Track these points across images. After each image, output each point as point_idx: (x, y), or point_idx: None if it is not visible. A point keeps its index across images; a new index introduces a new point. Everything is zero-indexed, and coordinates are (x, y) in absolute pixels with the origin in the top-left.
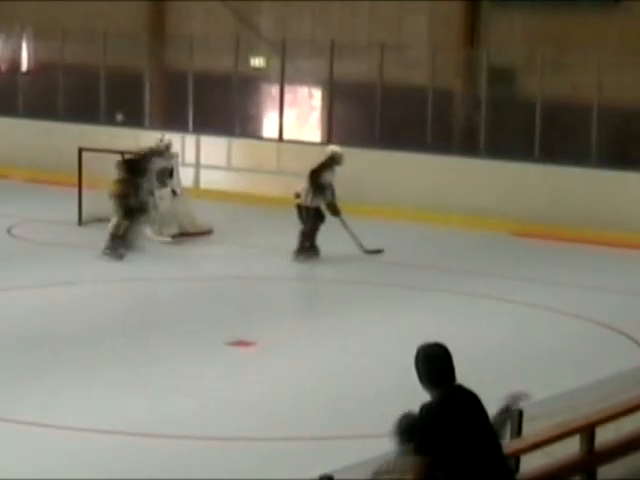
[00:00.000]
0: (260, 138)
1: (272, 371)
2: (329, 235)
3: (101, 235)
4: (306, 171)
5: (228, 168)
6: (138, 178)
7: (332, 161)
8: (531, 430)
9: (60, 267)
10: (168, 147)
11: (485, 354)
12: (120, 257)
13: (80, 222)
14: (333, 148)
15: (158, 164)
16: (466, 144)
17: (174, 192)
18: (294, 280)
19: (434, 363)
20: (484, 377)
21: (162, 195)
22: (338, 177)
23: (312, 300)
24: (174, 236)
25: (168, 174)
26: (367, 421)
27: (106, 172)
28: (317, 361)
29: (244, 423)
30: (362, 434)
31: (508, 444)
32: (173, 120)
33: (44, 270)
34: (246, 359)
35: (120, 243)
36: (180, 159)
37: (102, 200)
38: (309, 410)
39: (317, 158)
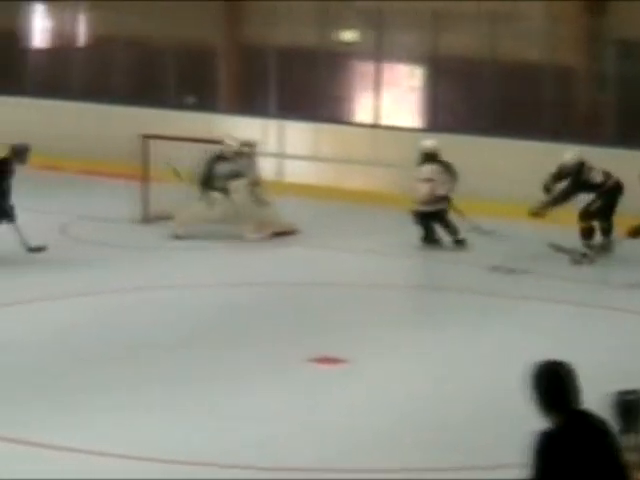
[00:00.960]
0: (351, 124)
1: (358, 391)
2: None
3: (167, 234)
4: (404, 161)
5: (314, 158)
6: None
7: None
8: None
9: (120, 271)
10: (238, 153)
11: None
12: None
13: (143, 219)
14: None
15: (222, 169)
16: (590, 130)
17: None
18: (387, 288)
19: (555, 383)
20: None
21: (236, 188)
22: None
23: (406, 310)
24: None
25: (235, 176)
26: (468, 450)
27: (173, 163)
28: (410, 380)
29: (324, 451)
30: (461, 465)
31: None
32: (251, 103)
33: (102, 275)
34: (329, 377)
35: None
36: (259, 148)
37: (168, 194)
38: (399, 437)
39: (416, 146)
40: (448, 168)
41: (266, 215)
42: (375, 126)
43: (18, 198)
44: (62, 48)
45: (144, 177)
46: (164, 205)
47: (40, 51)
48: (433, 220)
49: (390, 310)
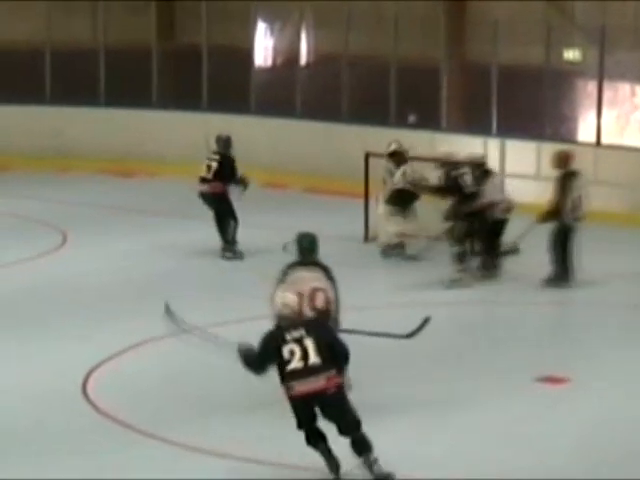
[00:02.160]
0: (574, 142)
1: (584, 413)
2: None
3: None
4: (629, 180)
5: (537, 177)
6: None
7: None
8: None
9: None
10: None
11: None
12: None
13: (366, 238)
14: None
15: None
16: None
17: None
18: (610, 306)
19: None
20: None
21: None
22: None
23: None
24: None
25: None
26: None
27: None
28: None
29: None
30: None
31: None
32: (473, 121)
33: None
34: (555, 397)
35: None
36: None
37: None
38: (624, 464)
39: None
40: None
41: None
42: (597, 145)
43: (243, 215)
44: (286, 66)
45: (367, 195)
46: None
47: (264, 69)
48: None
49: (614, 329)
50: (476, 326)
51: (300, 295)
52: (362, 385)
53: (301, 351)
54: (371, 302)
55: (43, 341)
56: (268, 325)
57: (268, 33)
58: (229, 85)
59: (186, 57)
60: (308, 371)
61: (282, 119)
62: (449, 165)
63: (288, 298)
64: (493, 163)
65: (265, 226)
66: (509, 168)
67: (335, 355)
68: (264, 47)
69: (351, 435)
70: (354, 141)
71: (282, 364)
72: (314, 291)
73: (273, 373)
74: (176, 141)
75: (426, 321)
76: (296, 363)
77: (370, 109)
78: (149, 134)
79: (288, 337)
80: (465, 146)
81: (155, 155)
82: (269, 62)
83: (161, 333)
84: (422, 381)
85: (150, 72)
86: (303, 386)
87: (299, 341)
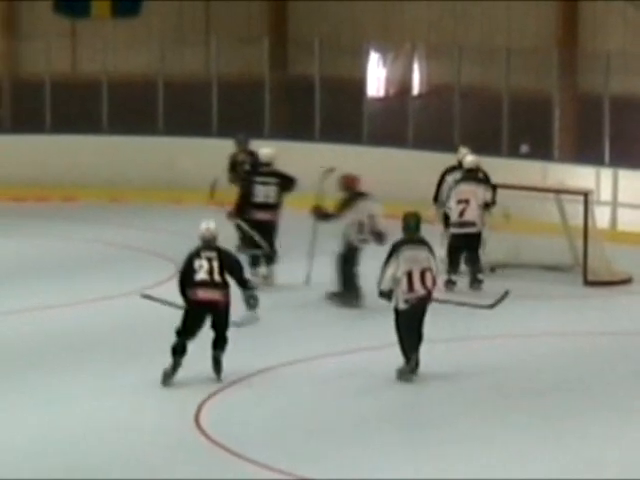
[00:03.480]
0: None
1: None
2: None
3: (502, 283)
4: None
5: None
6: None
7: None
8: None
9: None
10: None
11: None
12: None
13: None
14: None
15: None
16: None
17: None
18: None
19: None
20: None
21: None
22: None
23: None
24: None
25: None
26: None
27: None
28: None
29: None
30: None
31: None
32: (585, 151)
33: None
34: None
35: None
36: (595, 197)
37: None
38: None
39: None
40: None
41: (599, 263)
42: None
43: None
44: (398, 97)
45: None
46: (499, 253)
47: (376, 100)
48: None
49: None
50: (590, 356)
51: (410, 274)
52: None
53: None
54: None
55: (159, 371)
56: None
57: (380, 64)
58: (341, 116)
59: (298, 88)
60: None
61: (394, 149)
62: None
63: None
64: (605, 193)
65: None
66: (621, 198)
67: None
68: (376, 78)
69: (217, 353)
70: None
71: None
72: (424, 271)
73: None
74: (289, 171)
75: (506, 293)
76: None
77: (482, 140)
78: None
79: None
80: (578, 177)
81: None
82: (381, 93)
83: (269, 365)
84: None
85: (262, 103)
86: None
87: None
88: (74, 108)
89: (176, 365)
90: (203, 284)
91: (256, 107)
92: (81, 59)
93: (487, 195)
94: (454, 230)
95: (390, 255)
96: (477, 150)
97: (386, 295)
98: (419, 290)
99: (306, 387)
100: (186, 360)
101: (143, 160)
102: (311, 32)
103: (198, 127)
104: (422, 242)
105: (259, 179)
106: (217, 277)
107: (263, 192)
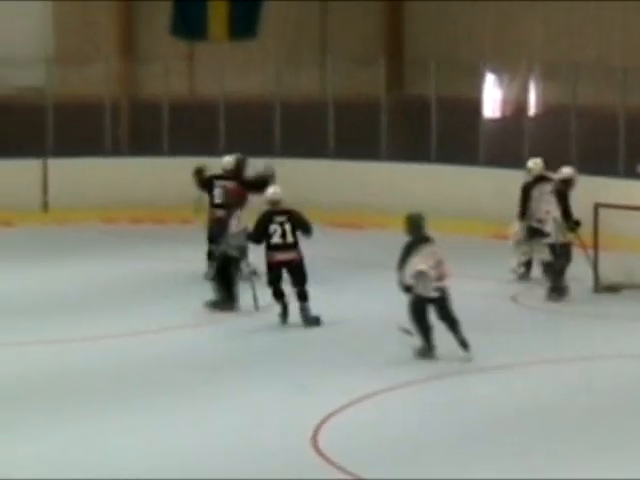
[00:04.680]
0: None
1: None
2: None
3: (619, 304)
4: None
5: None
6: None
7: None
8: None
9: (574, 341)
10: None
11: None
12: None
13: (596, 289)
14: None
15: None
16: None
17: None
18: None
19: None
20: None
21: None
22: None
23: None
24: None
25: None
26: None
27: (624, 232)
28: None
29: None
30: None
31: None
32: None
33: (554, 343)
34: None
35: None
36: None
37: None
38: None
39: None
40: None
41: None
42: None
43: (468, 265)
44: (514, 118)
45: (595, 246)
46: (614, 275)
47: (493, 121)
48: None
49: None
50: None
51: (435, 266)
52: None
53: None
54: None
55: (274, 393)
56: None
57: (496, 84)
58: (457, 136)
59: (414, 109)
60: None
61: (510, 170)
62: None
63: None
64: None
65: (489, 277)
66: None
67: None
68: (492, 99)
69: (302, 305)
70: (583, 191)
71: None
72: (439, 262)
73: None
74: (405, 193)
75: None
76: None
77: (598, 159)
78: (378, 186)
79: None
80: None
81: (384, 207)
82: (497, 113)
83: (386, 386)
84: None
85: (378, 124)
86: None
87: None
88: (191, 130)
89: (285, 307)
90: (279, 247)
91: (372, 128)
92: (198, 81)
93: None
94: (554, 240)
95: (408, 253)
96: (593, 170)
97: (409, 289)
98: (443, 278)
99: (423, 409)
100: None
101: None
102: (427, 52)
103: (313, 148)
104: (431, 238)
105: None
106: (290, 239)
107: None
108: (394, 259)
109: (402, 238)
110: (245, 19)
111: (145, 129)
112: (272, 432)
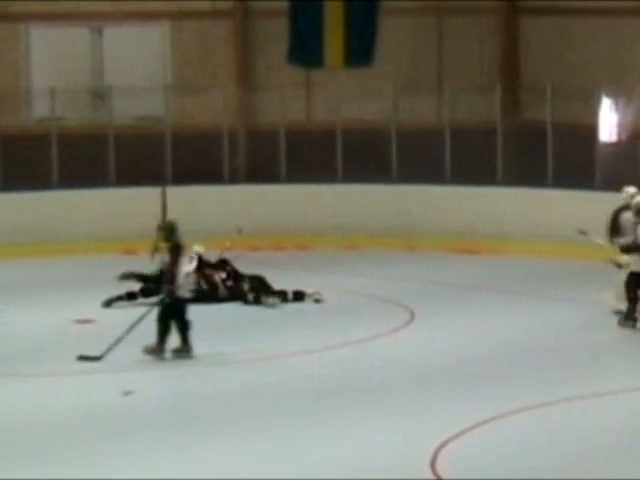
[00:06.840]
0: None
1: None
2: None
3: None
4: None
5: None
6: None
7: None
8: None
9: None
10: None
11: None
12: None
13: None
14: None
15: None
16: None
17: None
18: None
19: None
20: None
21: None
22: None
23: None
24: None
25: None
26: None
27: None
28: None
29: None
30: None
31: None
32: None
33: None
34: None
35: None
36: None
37: None
38: None
39: None
40: None
41: None
42: None
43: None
44: (631, 142)
45: None
46: None
47: (609, 145)
48: None
49: None
50: None
51: None
52: None
53: None
54: None
55: (387, 415)
56: None
57: (612, 109)
58: (573, 161)
59: (531, 134)
60: None
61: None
62: None
63: None
64: None
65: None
66: None
67: None
68: (608, 123)
69: None
70: None
71: None
72: None
73: None
74: (521, 218)
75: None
76: None
77: None
78: (494, 211)
79: None
80: None
81: (500, 232)
82: (613, 138)
83: (501, 412)
84: None
85: (495, 150)
86: None
87: None
88: (308, 157)
89: None
90: None
91: (488, 154)
92: (315, 108)
93: None
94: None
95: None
96: None
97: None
98: None
99: (548, 434)
100: (425, 410)
101: (378, 208)
102: (543, 77)
103: (431, 174)
104: None
105: None
106: None
107: None
108: (510, 284)
109: (519, 262)
110: (361, 46)
111: (262, 156)
112: (388, 454)
